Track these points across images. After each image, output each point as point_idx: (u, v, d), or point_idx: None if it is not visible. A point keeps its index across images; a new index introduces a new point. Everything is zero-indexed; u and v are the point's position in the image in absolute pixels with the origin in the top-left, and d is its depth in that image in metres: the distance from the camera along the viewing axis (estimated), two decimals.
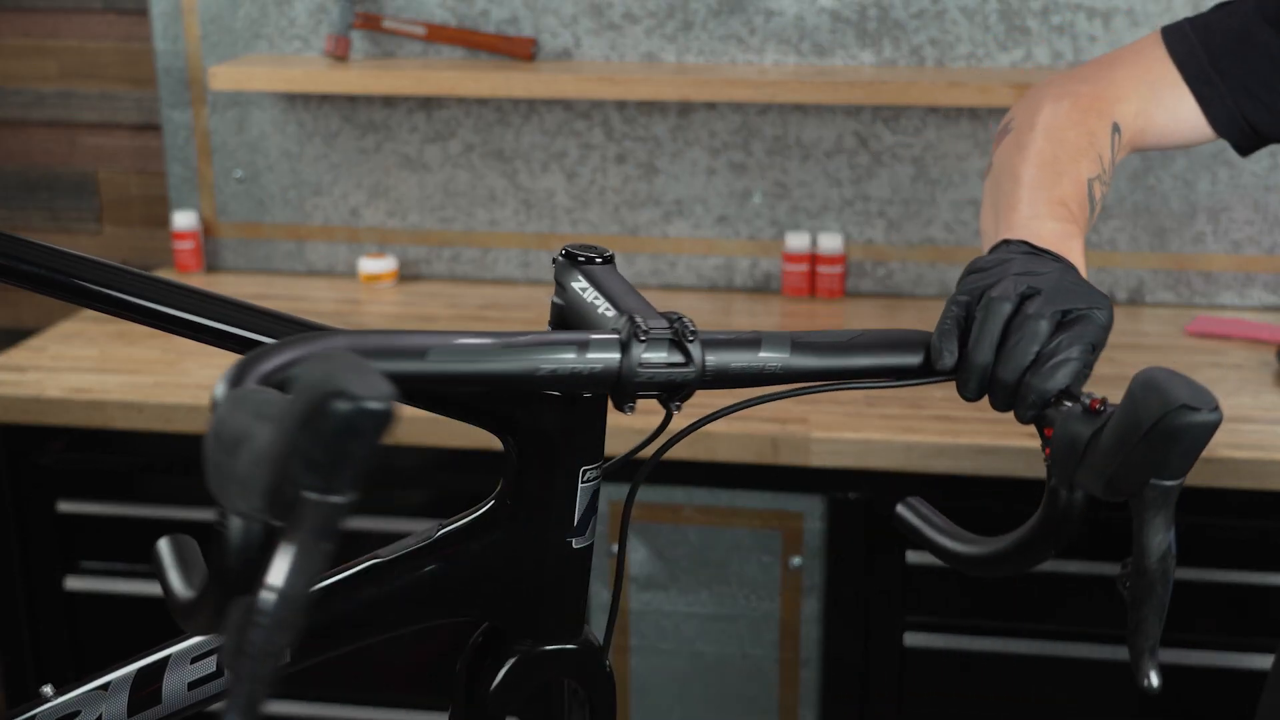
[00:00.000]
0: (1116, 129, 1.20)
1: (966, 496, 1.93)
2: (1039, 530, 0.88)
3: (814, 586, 2.00)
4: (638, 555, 2.02)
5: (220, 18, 2.54)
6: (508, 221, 2.58)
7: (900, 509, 0.95)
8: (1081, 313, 0.88)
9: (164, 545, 0.77)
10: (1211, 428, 0.78)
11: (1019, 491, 1.91)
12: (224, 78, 2.39)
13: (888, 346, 0.88)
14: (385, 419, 0.60)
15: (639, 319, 0.81)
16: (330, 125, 2.57)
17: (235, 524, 0.63)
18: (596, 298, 0.85)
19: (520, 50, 2.45)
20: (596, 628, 0.93)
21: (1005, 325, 0.88)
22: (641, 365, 0.81)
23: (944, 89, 2.26)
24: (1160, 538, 0.86)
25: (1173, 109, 1.25)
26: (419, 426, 1.99)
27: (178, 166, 2.62)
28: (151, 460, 2.12)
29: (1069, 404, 0.84)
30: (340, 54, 2.45)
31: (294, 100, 2.56)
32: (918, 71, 2.39)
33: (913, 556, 1.97)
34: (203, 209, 2.64)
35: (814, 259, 2.49)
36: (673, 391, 0.83)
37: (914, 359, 0.88)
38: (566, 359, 0.79)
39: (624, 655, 2.05)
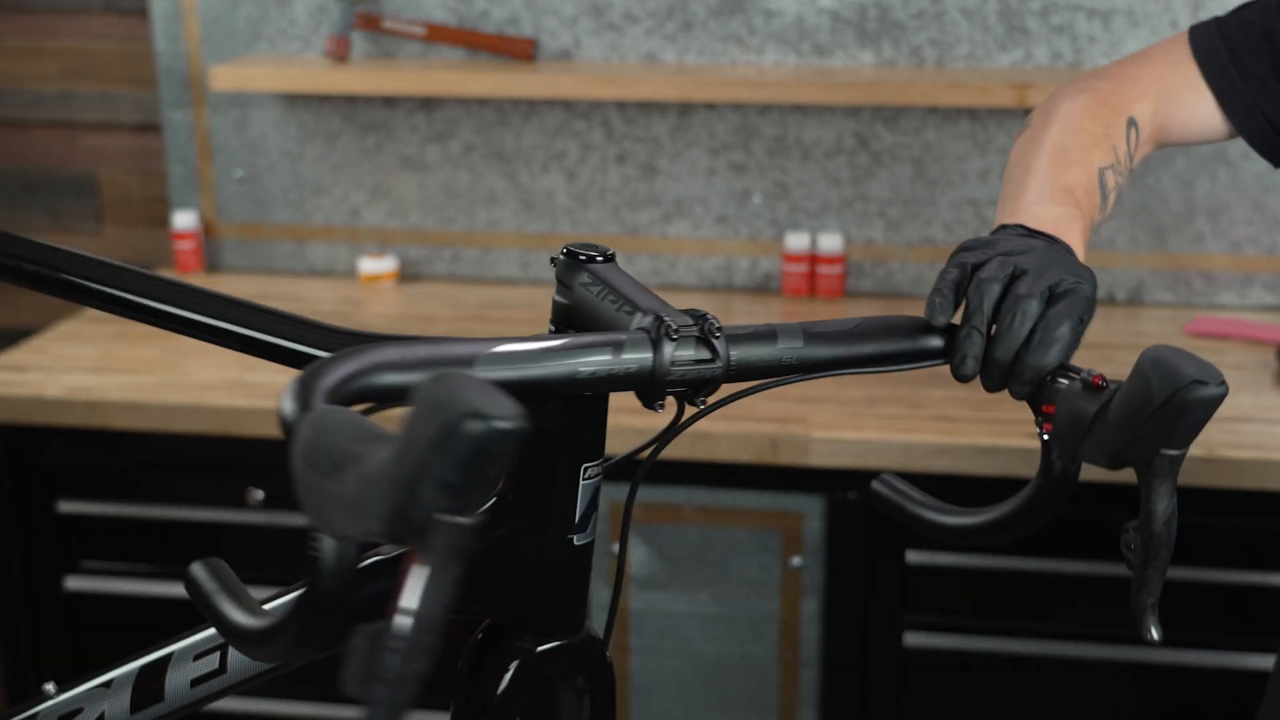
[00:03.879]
0: (1133, 123, 1.22)
1: (966, 496, 1.93)
2: (1035, 500, 0.93)
3: (814, 586, 2.00)
4: (638, 555, 2.02)
5: (220, 18, 2.54)
6: (508, 222, 2.58)
7: (876, 485, 0.99)
8: (1068, 287, 0.91)
9: (200, 571, 0.75)
10: (1219, 400, 0.82)
11: (1019, 491, 1.91)
12: (224, 78, 2.39)
13: (891, 332, 0.92)
14: (517, 438, 0.59)
15: (666, 318, 0.82)
16: (331, 125, 2.57)
17: (329, 546, 0.63)
18: (610, 297, 0.86)
19: (520, 50, 2.46)
20: (597, 625, 0.93)
21: (996, 305, 0.92)
22: (673, 363, 0.82)
23: (944, 89, 2.27)
24: (1166, 503, 0.88)
25: (1192, 106, 1.25)
26: None
27: (178, 167, 2.62)
28: (151, 460, 2.12)
29: (1067, 381, 0.88)
30: (340, 54, 2.45)
31: (294, 100, 2.57)
32: (917, 72, 2.39)
33: (912, 556, 1.97)
34: (203, 209, 2.64)
35: (814, 259, 2.49)
36: (699, 387, 0.84)
37: (919, 343, 0.92)
38: (603, 360, 0.80)
39: (624, 655, 2.05)
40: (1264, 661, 1.94)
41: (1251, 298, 2.46)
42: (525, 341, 0.79)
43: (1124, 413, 0.84)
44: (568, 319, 0.89)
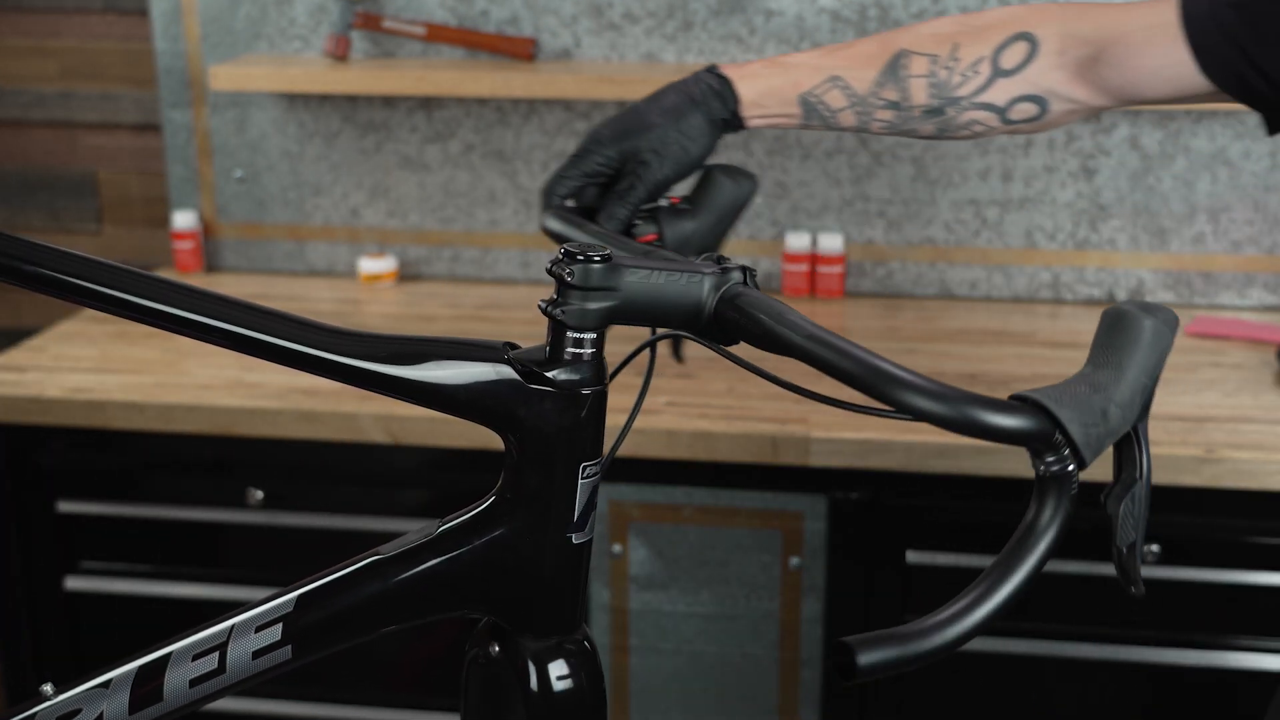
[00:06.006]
0: (1022, 37, 1.17)
1: (966, 496, 1.93)
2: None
3: (814, 586, 2.00)
4: (638, 555, 2.02)
5: (220, 18, 2.54)
6: (508, 221, 2.58)
7: (548, 224, 1.17)
8: (639, 164, 1.18)
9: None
10: None
11: (1019, 491, 1.91)
12: (224, 78, 2.39)
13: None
14: None
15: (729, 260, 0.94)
16: (330, 125, 2.57)
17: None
18: (667, 274, 0.91)
19: (520, 50, 2.46)
20: (596, 626, 0.94)
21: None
22: None
23: None
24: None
25: (1163, 53, 1.16)
26: (419, 426, 1.99)
27: (178, 166, 2.62)
28: (151, 460, 2.12)
29: (655, 213, 1.20)
30: (340, 54, 2.45)
31: (294, 100, 2.57)
32: None
33: (912, 556, 1.97)
34: (203, 209, 2.64)
35: (814, 259, 2.49)
36: None
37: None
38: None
39: (624, 655, 2.05)
40: (1264, 661, 1.94)
41: (1252, 298, 2.46)
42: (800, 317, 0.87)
43: (720, 214, 1.20)
44: (612, 319, 0.90)
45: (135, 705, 0.94)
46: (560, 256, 0.89)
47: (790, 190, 2.50)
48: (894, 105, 1.17)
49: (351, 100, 2.55)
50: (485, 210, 2.58)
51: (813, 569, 1.99)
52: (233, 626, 0.94)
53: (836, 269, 2.48)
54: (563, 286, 0.89)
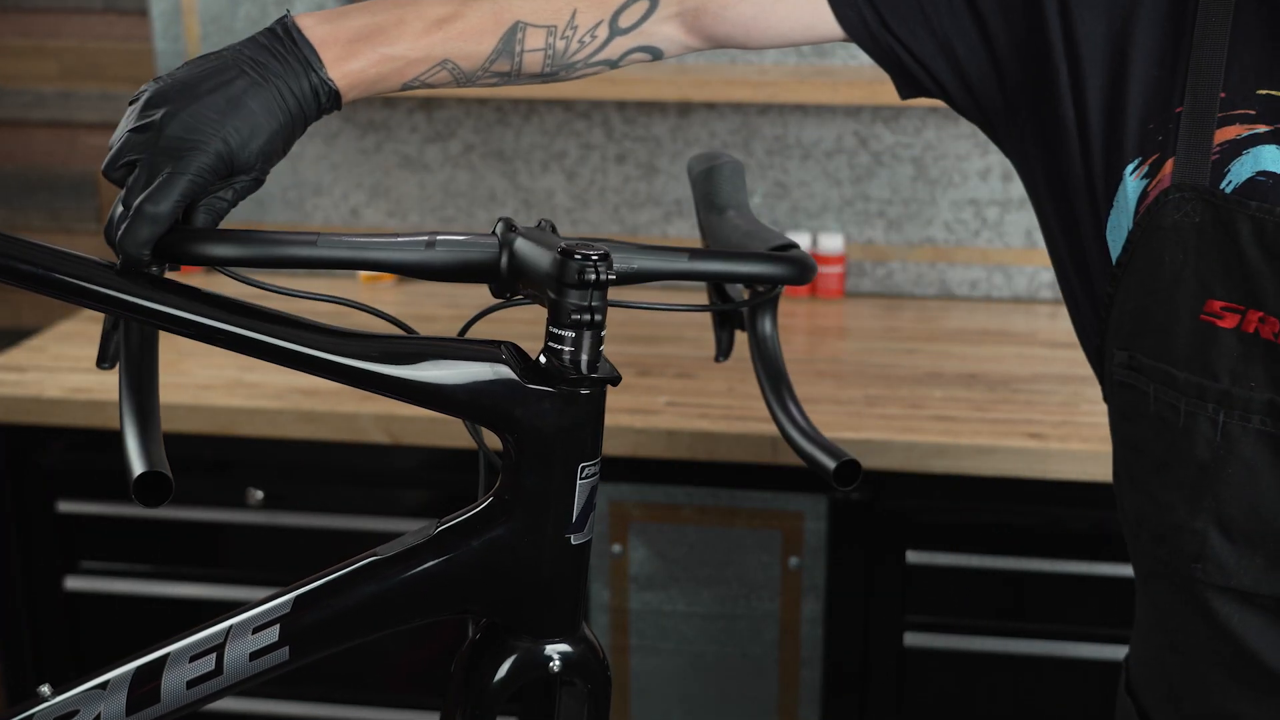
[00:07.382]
0: None
1: (966, 496, 1.93)
2: None
3: (814, 586, 2.00)
4: (638, 555, 2.02)
5: (220, 18, 2.54)
6: None
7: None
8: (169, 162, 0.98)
9: None
10: None
11: (1019, 491, 1.91)
12: None
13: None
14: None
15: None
16: (330, 125, 2.57)
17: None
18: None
19: None
20: (596, 626, 0.93)
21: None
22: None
23: None
24: None
25: (795, 4, 1.13)
26: (419, 426, 1.99)
27: None
28: None
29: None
30: None
31: None
32: None
33: (912, 556, 1.97)
34: None
35: (814, 259, 2.49)
36: None
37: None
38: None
39: (624, 655, 2.05)
40: None
41: None
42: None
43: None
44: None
45: (133, 707, 0.94)
46: (583, 259, 0.88)
47: (790, 190, 2.50)
48: (504, 75, 1.11)
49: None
50: (485, 210, 2.58)
51: (813, 569, 1.99)
52: (230, 628, 0.94)
53: (836, 269, 2.48)
54: (595, 289, 0.88)
